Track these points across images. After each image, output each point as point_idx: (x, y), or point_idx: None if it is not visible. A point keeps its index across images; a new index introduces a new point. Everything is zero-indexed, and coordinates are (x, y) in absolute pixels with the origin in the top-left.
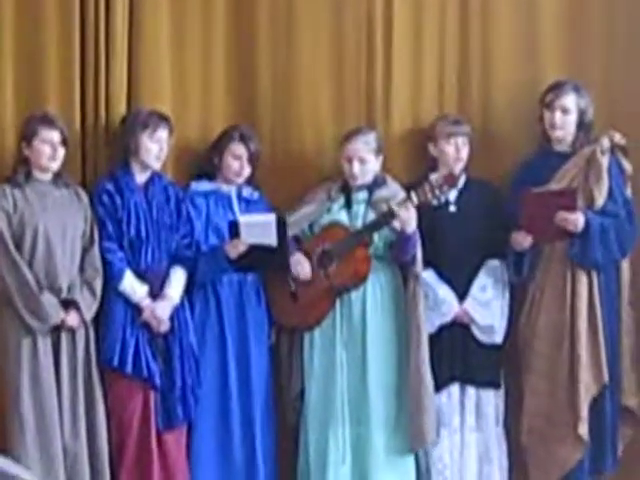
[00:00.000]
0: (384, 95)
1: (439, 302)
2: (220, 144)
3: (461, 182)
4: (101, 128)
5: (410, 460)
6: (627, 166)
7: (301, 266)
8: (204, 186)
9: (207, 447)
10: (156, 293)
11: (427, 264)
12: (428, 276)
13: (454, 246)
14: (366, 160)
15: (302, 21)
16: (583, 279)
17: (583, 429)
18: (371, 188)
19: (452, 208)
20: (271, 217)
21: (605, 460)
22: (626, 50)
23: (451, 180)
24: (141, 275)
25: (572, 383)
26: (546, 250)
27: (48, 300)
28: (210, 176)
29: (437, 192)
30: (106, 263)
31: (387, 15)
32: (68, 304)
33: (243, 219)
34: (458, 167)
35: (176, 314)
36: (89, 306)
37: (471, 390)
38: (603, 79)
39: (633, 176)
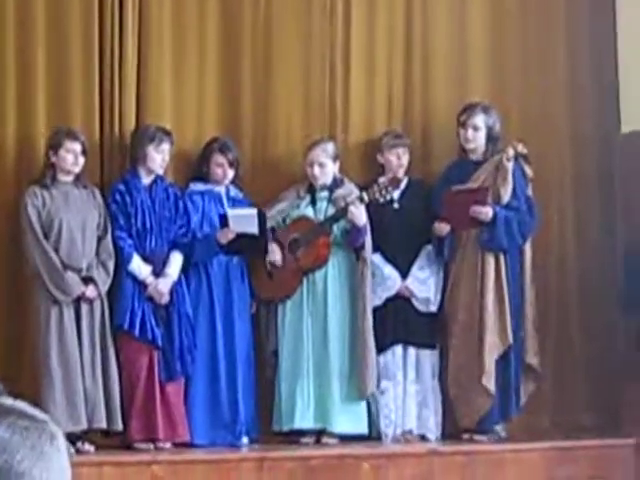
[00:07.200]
0: (343, 114)
1: (385, 279)
2: (205, 155)
3: (404, 184)
4: (115, 140)
5: (362, 406)
6: (528, 170)
7: (275, 254)
8: (200, 187)
9: (200, 395)
10: (158, 272)
11: (376, 249)
12: (376, 258)
13: (397, 235)
14: (324, 164)
15: (277, 54)
16: (491, 261)
17: (487, 381)
18: (331, 188)
19: (396, 205)
20: (253, 211)
21: (510, 407)
22: (535, 77)
23: (395, 183)
24: (146, 258)
25: (481, 344)
26: (463, 237)
27: (71, 277)
28: (204, 179)
29: (384, 192)
30: (118, 248)
31: (346, 48)
32: (87, 280)
33: (231, 212)
34: (400, 172)
35: (175, 289)
36: (104, 282)
37: (411, 350)
38: (517, 99)
39: (534, 178)
